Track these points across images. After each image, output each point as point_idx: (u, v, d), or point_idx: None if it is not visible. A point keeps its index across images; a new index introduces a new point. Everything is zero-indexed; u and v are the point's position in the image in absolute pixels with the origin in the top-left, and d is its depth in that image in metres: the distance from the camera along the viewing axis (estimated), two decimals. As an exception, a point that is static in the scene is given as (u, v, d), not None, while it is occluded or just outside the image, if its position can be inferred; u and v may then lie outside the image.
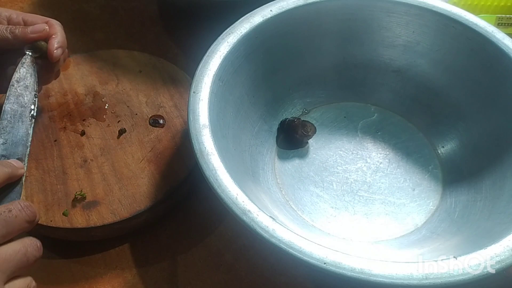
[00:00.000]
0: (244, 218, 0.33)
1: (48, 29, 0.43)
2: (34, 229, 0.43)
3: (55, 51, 0.43)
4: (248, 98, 0.47)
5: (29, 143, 0.38)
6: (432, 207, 0.46)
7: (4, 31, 0.42)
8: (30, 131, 0.39)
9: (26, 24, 0.44)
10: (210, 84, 0.40)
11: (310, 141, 0.50)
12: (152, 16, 0.67)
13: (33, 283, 0.32)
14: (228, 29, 0.44)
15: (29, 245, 0.31)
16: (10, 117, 0.39)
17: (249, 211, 0.33)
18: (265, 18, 0.45)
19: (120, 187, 0.45)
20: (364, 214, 0.45)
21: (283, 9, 0.46)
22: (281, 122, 0.51)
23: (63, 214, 0.43)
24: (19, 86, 0.41)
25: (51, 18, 0.45)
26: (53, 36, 0.43)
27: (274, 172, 0.48)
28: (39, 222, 0.42)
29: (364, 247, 0.43)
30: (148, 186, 0.45)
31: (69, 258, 0.44)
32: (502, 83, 0.44)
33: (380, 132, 0.51)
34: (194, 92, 0.40)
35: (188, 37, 0.63)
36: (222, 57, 0.42)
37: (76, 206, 0.43)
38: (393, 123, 0.52)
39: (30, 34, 0.42)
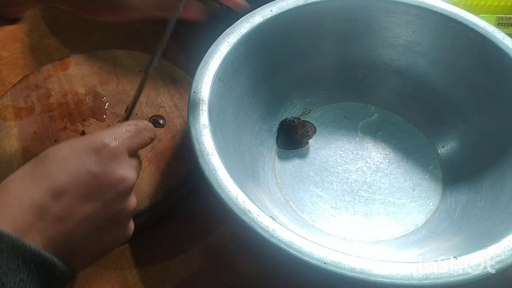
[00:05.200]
0: (244, 218, 0.33)
1: None
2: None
3: None
4: (248, 98, 0.47)
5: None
6: (432, 207, 0.46)
7: None
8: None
9: None
10: (210, 84, 0.40)
11: (310, 141, 0.50)
12: (152, 16, 0.67)
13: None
14: (228, 29, 0.44)
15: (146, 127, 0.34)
16: None
17: (249, 211, 0.33)
18: (265, 18, 0.45)
19: (120, 187, 0.45)
20: (364, 214, 0.45)
21: (283, 9, 0.46)
22: (281, 122, 0.51)
23: (63, 214, 0.43)
24: None
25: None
26: None
27: (274, 172, 0.48)
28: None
29: (364, 247, 0.43)
30: (148, 186, 0.45)
31: (69, 258, 0.44)
32: (502, 83, 0.44)
33: (380, 132, 0.51)
34: (194, 92, 0.40)
35: (188, 37, 0.63)
36: (222, 57, 0.42)
37: (76, 206, 0.43)
38: (393, 123, 0.52)
39: None
